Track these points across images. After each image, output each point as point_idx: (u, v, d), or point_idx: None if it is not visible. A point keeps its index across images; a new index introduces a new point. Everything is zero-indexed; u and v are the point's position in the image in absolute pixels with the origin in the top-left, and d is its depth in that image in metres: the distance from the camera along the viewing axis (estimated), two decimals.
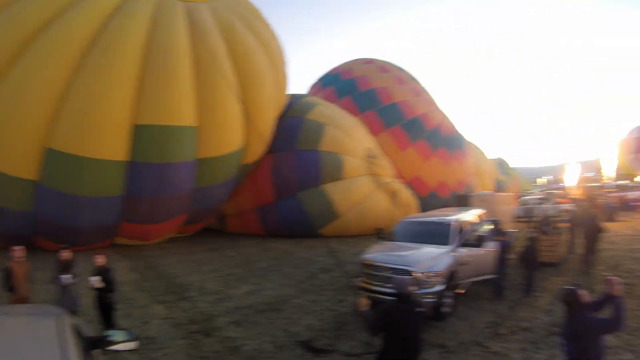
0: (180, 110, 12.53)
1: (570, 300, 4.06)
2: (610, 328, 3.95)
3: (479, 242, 8.97)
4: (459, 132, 24.39)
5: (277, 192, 16.60)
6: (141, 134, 12.26)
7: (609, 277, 4.05)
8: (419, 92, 23.17)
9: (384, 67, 23.80)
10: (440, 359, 6.17)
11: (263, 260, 12.94)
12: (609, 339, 6.08)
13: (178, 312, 7.92)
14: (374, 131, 20.04)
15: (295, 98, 18.60)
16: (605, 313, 3.97)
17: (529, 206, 23.70)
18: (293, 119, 17.21)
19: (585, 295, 4.03)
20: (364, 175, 17.08)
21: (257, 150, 15.54)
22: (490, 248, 9.60)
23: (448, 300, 7.78)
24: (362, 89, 21.93)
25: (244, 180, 16.43)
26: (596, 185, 58.75)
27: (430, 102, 23.23)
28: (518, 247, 10.94)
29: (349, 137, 17.28)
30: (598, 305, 4.19)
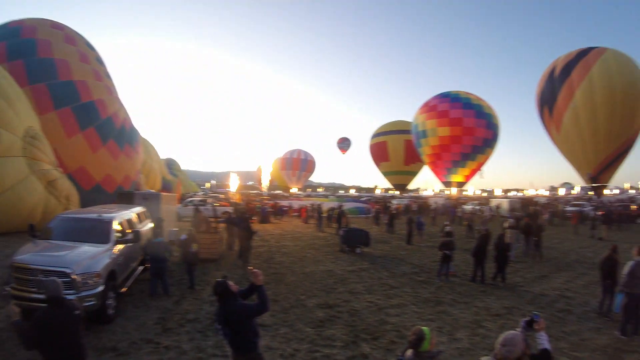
0: None
1: (220, 290, 4.66)
2: (258, 311, 4.71)
3: (136, 239, 10.02)
4: (134, 126, 23.90)
5: None
6: None
7: (253, 270, 4.80)
8: (102, 76, 22.00)
9: (72, 38, 21.48)
10: None
11: None
12: (266, 319, 8.44)
13: None
14: (42, 109, 18.85)
15: None
16: (253, 299, 4.78)
17: (192, 207, 25.27)
18: None
19: (234, 286, 4.74)
20: (19, 157, 15.84)
21: None
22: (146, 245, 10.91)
23: (111, 301, 8.20)
24: (41, 55, 19.58)
25: None
26: (254, 192, 66.85)
27: (111, 90, 22.38)
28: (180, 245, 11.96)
29: (12, 109, 16.00)
30: (246, 293, 4.90)
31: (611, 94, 33.27)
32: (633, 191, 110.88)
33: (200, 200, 32.17)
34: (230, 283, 4.72)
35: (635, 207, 42.06)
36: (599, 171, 37.10)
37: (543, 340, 3.52)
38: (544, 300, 10.93)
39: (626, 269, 8.43)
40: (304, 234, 24.42)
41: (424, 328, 3.78)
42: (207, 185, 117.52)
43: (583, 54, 35.74)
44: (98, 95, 20.98)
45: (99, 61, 23.23)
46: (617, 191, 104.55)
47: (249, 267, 5.19)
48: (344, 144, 78.76)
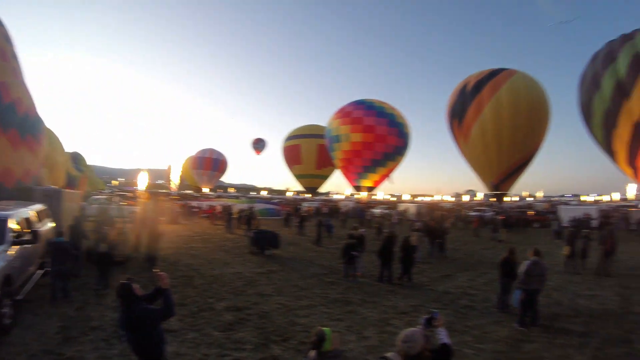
0: None
1: (124, 293, 4.53)
2: (163, 316, 4.61)
3: (35, 240, 9.38)
4: (39, 115, 21.82)
5: None
6: None
7: (158, 273, 4.75)
8: (8, 56, 19.60)
9: None
10: None
11: None
12: (175, 323, 8.26)
13: None
14: None
15: None
16: (159, 303, 4.68)
17: (98, 206, 24.05)
18: None
19: (138, 289, 4.62)
20: None
21: None
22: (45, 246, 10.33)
23: (7, 310, 7.53)
24: None
25: None
26: (163, 192, 64.90)
27: (17, 73, 20.07)
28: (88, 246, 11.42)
29: None
30: (151, 297, 4.80)
31: (516, 112, 36.56)
32: (531, 198, 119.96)
33: (107, 199, 30.84)
34: (135, 286, 4.57)
35: (532, 212, 45.61)
36: (501, 180, 40.17)
37: (442, 336, 3.74)
38: (448, 297, 11.58)
39: (522, 267, 9.29)
40: (214, 236, 24.15)
41: (325, 329, 3.91)
42: (115, 182, 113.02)
43: (494, 73, 39.02)
44: (2, 77, 19.04)
45: (7, 39, 20.96)
46: (516, 198, 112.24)
47: (154, 270, 5.03)
48: (259, 144, 78.46)
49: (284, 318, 9.01)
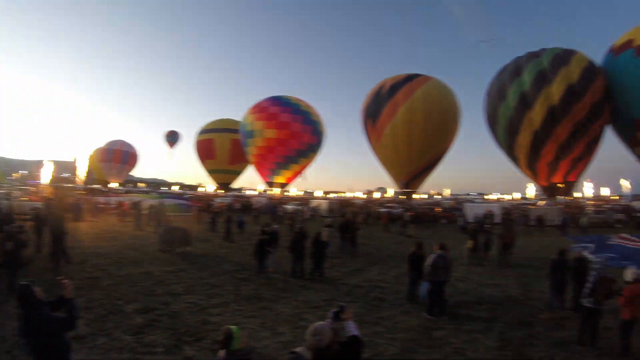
0: None
1: (24, 296, 4.25)
2: (64, 326, 4.36)
3: None
4: None
5: None
6: None
7: (63, 280, 4.51)
8: None
9: None
10: None
11: None
12: (82, 329, 7.70)
13: None
14: None
15: None
16: (64, 311, 4.46)
17: None
18: None
19: (39, 292, 4.33)
20: None
21: None
22: None
23: None
24: None
25: None
26: (69, 186, 61.36)
27: None
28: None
29: None
30: (55, 304, 4.51)
31: (428, 115, 38.75)
32: (438, 196, 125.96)
33: (7, 193, 28.64)
34: (36, 289, 4.28)
35: (439, 209, 48.00)
36: (411, 179, 42.09)
37: (351, 328, 3.88)
38: (360, 291, 11.94)
39: (429, 261, 9.86)
40: (122, 233, 23.13)
41: (233, 327, 3.93)
42: (16, 175, 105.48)
43: (410, 78, 41.06)
44: None
45: None
46: (425, 196, 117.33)
47: (58, 277, 4.75)
48: (172, 137, 75.86)
49: (196, 317, 8.87)
